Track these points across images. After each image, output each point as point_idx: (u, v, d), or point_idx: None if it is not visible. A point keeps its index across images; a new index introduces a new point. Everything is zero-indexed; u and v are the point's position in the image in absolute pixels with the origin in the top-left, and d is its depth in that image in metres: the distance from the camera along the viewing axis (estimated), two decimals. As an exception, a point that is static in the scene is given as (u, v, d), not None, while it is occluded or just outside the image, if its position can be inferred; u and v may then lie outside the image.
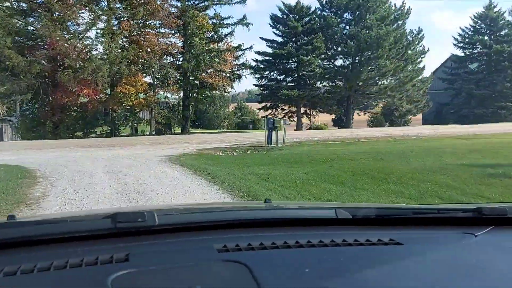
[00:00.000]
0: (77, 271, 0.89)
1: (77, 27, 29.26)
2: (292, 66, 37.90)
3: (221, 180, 8.36)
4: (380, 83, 35.12)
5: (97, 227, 1.08)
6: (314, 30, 35.58)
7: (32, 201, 6.80)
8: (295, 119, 39.03)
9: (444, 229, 1.25)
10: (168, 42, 32.41)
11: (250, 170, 9.70)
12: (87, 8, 28.07)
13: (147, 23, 31.23)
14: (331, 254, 1.02)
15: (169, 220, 1.15)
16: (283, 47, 36.79)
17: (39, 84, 26.46)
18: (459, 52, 44.03)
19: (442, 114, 43.40)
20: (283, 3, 37.95)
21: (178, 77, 34.01)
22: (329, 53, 35.94)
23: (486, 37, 42.02)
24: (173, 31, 32.57)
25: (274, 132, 16.47)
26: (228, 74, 34.49)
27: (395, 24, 33.84)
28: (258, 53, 38.26)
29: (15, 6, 26.94)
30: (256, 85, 40.76)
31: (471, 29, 42.94)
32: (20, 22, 26.94)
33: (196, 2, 33.83)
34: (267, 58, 38.30)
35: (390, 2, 34.83)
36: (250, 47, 35.19)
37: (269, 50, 38.37)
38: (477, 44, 42.07)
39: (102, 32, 28.39)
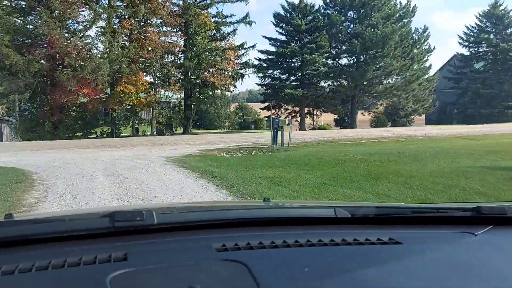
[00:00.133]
0: (75, 270, 0.88)
1: (77, 26, 28.79)
2: (296, 65, 37.31)
3: (230, 184, 7.82)
4: (385, 82, 34.55)
5: (95, 226, 1.07)
6: (318, 29, 35.01)
7: (26, 208, 6.28)
8: (299, 119, 38.46)
9: (444, 228, 1.25)
10: (170, 41, 31.88)
11: (259, 172, 9.16)
12: (87, 6, 27.55)
13: (148, 21, 30.71)
14: (330, 253, 1.02)
15: (168, 219, 1.16)
16: (286, 46, 36.22)
17: (38, 84, 25.95)
18: (465, 51, 43.50)
19: (445, 114, 42.84)
20: (287, 1, 37.52)
21: (179, 76, 33.46)
22: (334, 52, 35.42)
23: (492, 36, 41.39)
24: (174, 30, 32.05)
25: (279, 133, 15.98)
26: (230, 73, 33.87)
27: (401, 23, 33.24)
28: (261, 51, 37.81)
29: (13, 4, 26.39)
30: (259, 84, 40.24)
31: (476, 27, 42.34)
32: (18, 21, 26.39)
33: (198, 0, 33.27)
34: (270, 56, 37.79)
35: (395, 0, 34.42)
36: (253, 46, 34.65)
37: (272, 49, 37.96)
38: (483, 42, 41.45)
39: (102, 30, 27.82)
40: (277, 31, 38.34)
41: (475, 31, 42.23)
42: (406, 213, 1.31)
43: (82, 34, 28.53)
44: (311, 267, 0.93)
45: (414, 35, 34.76)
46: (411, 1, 35.42)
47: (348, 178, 7.88)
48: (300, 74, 37.51)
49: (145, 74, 31.19)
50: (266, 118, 44.69)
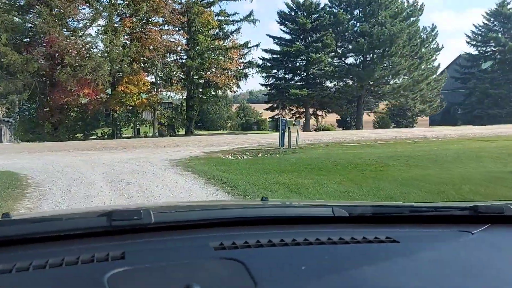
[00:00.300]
0: (73, 269, 0.88)
1: (77, 24, 28.12)
2: (301, 64, 36.55)
3: (242, 191, 7.12)
4: (392, 82, 33.80)
5: (93, 225, 1.07)
6: (324, 27, 34.26)
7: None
8: (303, 119, 37.70)
9: (441, 227, 1.24)
10: (172, 40, 31.14)
11: (272, 178, 8.46)
12: (87, 3, 26.88)
13: (150, 19, 30.01)
14: (328, 252, 1.02)
15: (165, 218, 1.16)
16: (291, 44, 35.44)
17: (37, 83, 25.28)
18: (472, 50, 42.69)
19: (449, 114, 42.06)
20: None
21: (182, 76, 32.72)
22: (340, 51, 34.67)
23: (500, 35, 40.58)
24: (177, 28, 31.28)
25: (286, 134, 15.33)
26: (234, 73, 33.09)
27: (408, 21, 32.49)
28: (265, 50, 37.09)
29: (11, 2, 25.68)
30: (263, 85, 39.50)
31: (484, 26, 41.53)
32: (16, 19, 25.69)
33: (201, -2, 32.56)
34: (274, 56, 37.06)
35: (402, -2, 33.58)
36: (257, 45, 34.07)
37: (277, 48, 37.28)
38: (491, 41, 40.64)
39: (103, 28, 27.11)
40: (281, 29, 37.74)
41: (482, 30, 41.42)
42: (403, 212, 1.31)
43: (82, 32, 27.85)
44: (309, 265, 0.92)
45: (422, 33, 34.01)
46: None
47: (373, 185, 7.16)
48: (305, 73, 36.76)
49: (146, 74, 30.48)
50: (269, 119, 43.99)
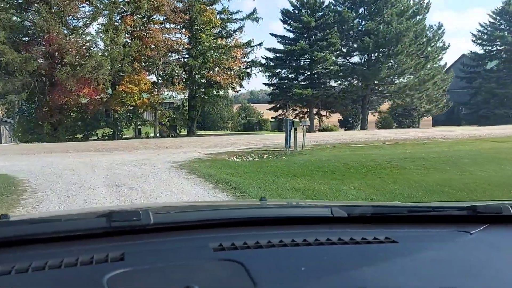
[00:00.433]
0: (72, 270, 0.88)
1: (77, 22, 27.58)
2: (305, 63, 35.94)
3: (254, 198, 6.58)
4: (397, 81, 33.18)
5: (92, 226, 1.07)
6: (328, 25, 33.62)
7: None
8: (307, 120, 37.11)
9: (439, 227, 1.24)
10: (174, 38, 30.58)
11: (283, 182, 7.93)
12: (87, 1, 26.35)
13: (151, 18, 29.45)
14: (327, 252, 1.02)
15: (165, 219, 1.15)
16: (295, 43, 34.78)
17: (36, 83, 24.78)
18: (478, 49, 42.07)
19: (454, 114, 41.46)
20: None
21: (183, 76, 32.16)
22: (344, 50, 34.05)
23: (506, 33, 39.95)
24: (178, 27, 30.69)
25: (292, 135, 14.81)
26: (237, 72, 32.49)
27: (414, 19, 31.87)
28: (269, 49, 36.49)
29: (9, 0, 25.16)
30: (266, 84, 38.90)
31: (490, 25, 40.91)
32: (14, 17, 25.15)
33: (203, -4, 31.97)
34: (278, 55, 36.44)
35: (408, -4, 32.93)
36: (260, 44, 33.35)
37: (280, 47, 36.66)
38: (497, 40, 40.00)
39: (104, 27, 26.56)
40: (285, 28, 37.07)
41: (488, 28, 40.79)
42: (402, 212, 1.31)
43: (82, 31, 27.33)
44: (308, 266, 0.92)
45: (428, 32, 33.37)
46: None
47: (397, 191, 6.61)
48: (309, 73, 36.15)
49: (148, 73, 29.94)
50: (272, 119, 43.43)
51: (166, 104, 34.57)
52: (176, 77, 31.20)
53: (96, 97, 27.04)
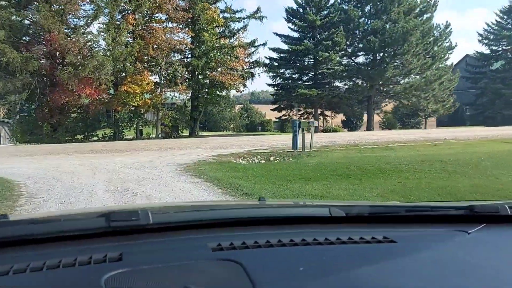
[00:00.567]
0: (70, 270, 0.88)
1: (78, 21, 27.09)
2: (309, 63, 35.36)
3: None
4: (403, 82, 32.60)
5: (90, 226, 1.06)
6: (333, 24, 33.05)
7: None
8: (313, 120, 36.58)
9: (437, 227, 1.24)
10: (176, 38, 30.04)
11: (298, 188, 7.40)
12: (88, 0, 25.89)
13: (153, 16, 28.92)
14: (325, 252, 1.02)
15: (163, 219, 1.14)
16: (300, 43, 34.20)
17: (36, 83, 24.27)
18: (484, 49, 41.50)
19: (458, 115, 40.89)
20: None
21: (186, 76, 31.64)
22: (350, 50, 33.46)
23: (512, 33, 39.40)
24: (181, 26, 30.17)
25: (300, 136, 14.29)
26: (240, 72, 31.94)
27: (421, 18, 31.25)
28: (273, 49, 35.94)
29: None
30: (269, 84, 38.42)
31: (496, 24, 40.31)
32: (13, 17, 24.63)
33: (206, -6, 31.40)
34: (282, 55, 35.90)
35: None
36: (264, 43, 32.93)
37: (285, 47, 36.18)
38: (504, 40, 39.41)
39: (105, 26, 26.06)
40: (289, 27, 36.56)
41: (495, 28, 40.20)
42: (400, 212, 1.30)
43: (83, 30, 26.81)
44: (306, 266, 0.92)
45: (434, 31, 32.75)
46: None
47: (425, 198, 6.07)
48: (313, 73, 35.60)
49: (150, 73, 29.42)
50: (275, 120, 42.93)
51: (168, 104, 34.07)
52: (179, 77, 30.69)
53: (97, 98, 26.58)
